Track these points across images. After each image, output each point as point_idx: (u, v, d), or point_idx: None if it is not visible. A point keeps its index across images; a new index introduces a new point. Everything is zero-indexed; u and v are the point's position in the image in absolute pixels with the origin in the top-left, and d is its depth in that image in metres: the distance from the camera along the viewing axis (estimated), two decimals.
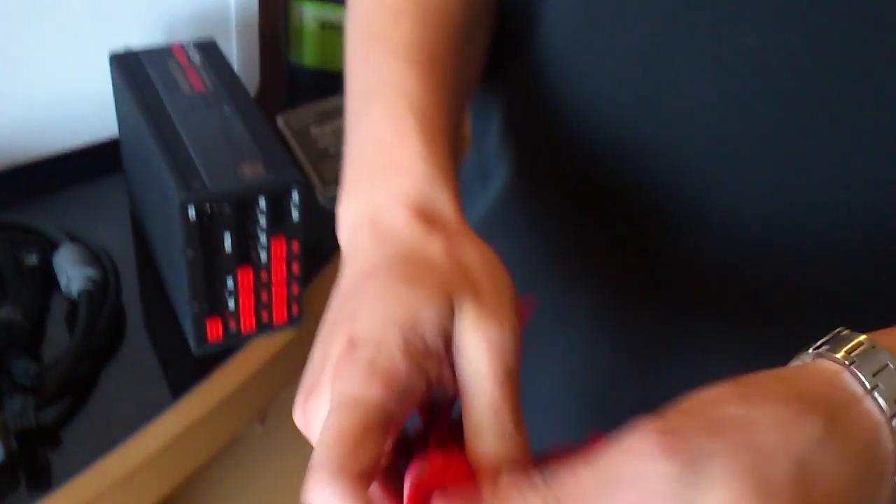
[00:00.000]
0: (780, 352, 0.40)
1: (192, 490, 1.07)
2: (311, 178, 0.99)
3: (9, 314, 0.77)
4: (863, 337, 0.37)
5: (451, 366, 0.39)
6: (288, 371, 0.86)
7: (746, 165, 0.50)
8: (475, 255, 0.41)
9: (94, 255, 0.84)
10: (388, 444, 0.37)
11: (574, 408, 0.63)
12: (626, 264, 0.57)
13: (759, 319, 0.55)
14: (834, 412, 0.34)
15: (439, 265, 0.40)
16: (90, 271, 0.81)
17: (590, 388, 0.62)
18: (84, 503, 0.71)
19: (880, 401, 0.35)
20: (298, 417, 0.41)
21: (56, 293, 0.84)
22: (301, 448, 1.23)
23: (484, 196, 0.65)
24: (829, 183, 0.49)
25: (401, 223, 0.42)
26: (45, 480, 0.72)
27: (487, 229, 0.62)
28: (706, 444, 0.32)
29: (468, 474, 0.37)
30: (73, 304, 0.82)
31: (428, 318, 0.37)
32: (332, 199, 0.98)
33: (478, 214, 0.65)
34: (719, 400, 0.34)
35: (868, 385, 0.35)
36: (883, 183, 0.48)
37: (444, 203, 0.44)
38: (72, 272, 0.81)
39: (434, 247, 0.41)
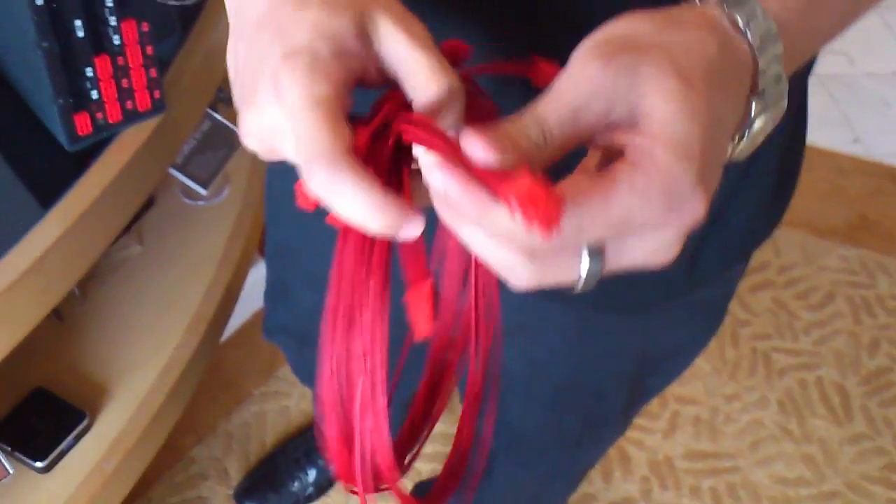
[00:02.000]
0: None
1: (83, 312, 1.11)
2: None
3: None
4: None
5: (375, 68, 0.45)
6: (159, 157, 0.91)
7: None
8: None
9: None
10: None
11: None
12: None
13: None
14: (723, 39, 0.43)
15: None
16: None
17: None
18: None
19: (750, 37, 0.44)
20: (246, 132, 0.44)
21: None
22: (178, 263, 1.28)
23: None
24: None
25: None
26: None
27: None
28: (638, 54, 0.41)
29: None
30: None
31: (347, 27, 0.43)
32: None
33: None
34: (641, 32, 0.42)
35: (741, 25, 0.44)
36: None
37: None
38: None
39: None
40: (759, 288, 2.02)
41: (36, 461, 0.96)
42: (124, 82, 0.83)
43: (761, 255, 2.08)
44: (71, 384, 1.03)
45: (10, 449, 0.96)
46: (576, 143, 0.41)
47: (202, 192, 1.15)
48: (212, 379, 1.75)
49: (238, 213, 1.17)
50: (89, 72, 0.80)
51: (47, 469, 0.96)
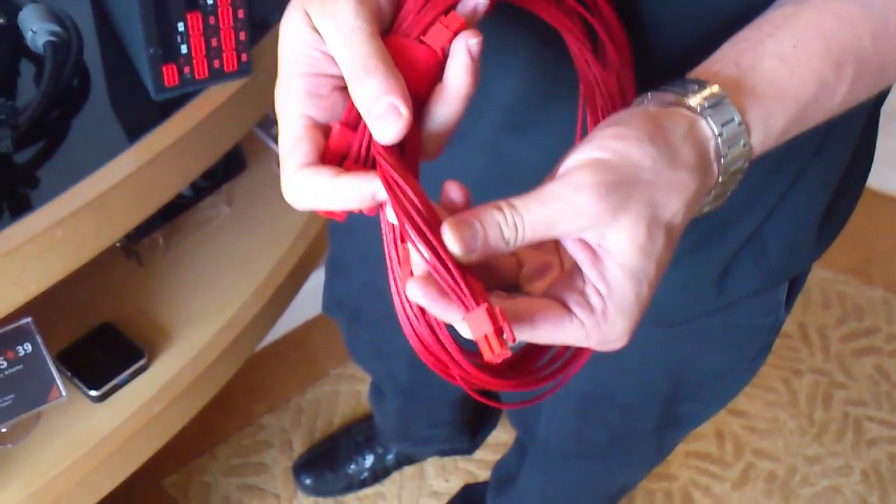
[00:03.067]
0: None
1: (163, 261, 1.16)
2: None
3: None
4: (716, 88, 0.50)
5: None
6: (240, 117, 0.94)
7: None
8: None
9: (56, 15, 0.90)
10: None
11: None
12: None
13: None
14: (703, 170, 0.50)
15: None
16: (53, 27, 0.88)
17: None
18: (59, 221, 0.79)
19: (720, 146, 0.50)
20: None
21: (24, 54, 0.91)
22: (263, 225, 1.32)
23: None
24: None
25: None
26: (24, 203, 0.81)
27: None
28: (626, 198, 0.47)
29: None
30: (40, 63, 0.89)
31: (303, 36, 0.48)
32: None
33: None
34: (641, 166, 0.47)
35: (717, 132, 0.50)
36: None
37: None
38: (36, 27, 0.88)
39: None
40: (863, 353, 1.93)
41: (91, 389, 1.01)
42: (213, 41, 0.87)
43: (871, 318, 2.00)
44: (138, 325, 1.08)
45: (69, 374, 1.02)
46: (539, 242, 0.47)
47: None
48: (294, 353, 1.80)
49: None
50: (181, 26, 0.84)
51: (100, 399, 1.01)
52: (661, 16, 0.60)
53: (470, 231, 0.45)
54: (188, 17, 0.84)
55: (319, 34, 0.49)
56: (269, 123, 1.25)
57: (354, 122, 0.49)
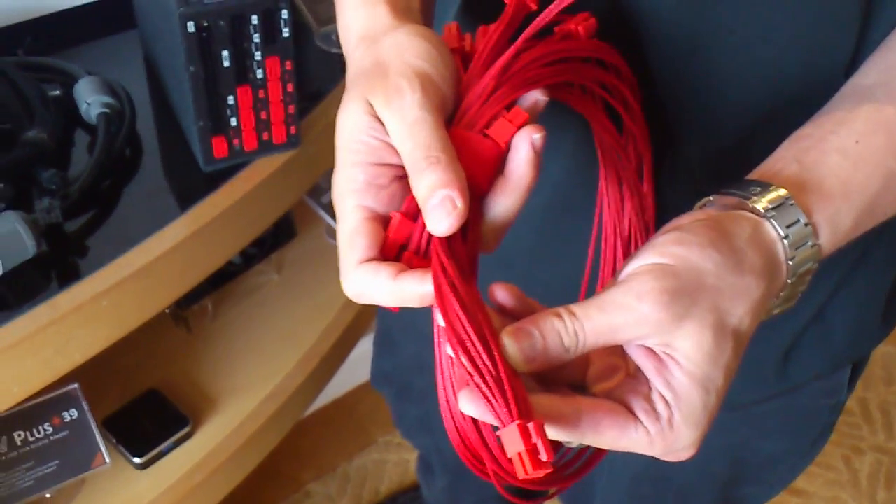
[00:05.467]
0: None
1: (211, 328, 1.17)
2: (306, 18, 1.06)
3: (36, 134, 0.86)
4: (782, 191, 0.49)
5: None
6: (288, 188, 0.95)
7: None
8: (393, 48, 0.51)
9: (110, 87, 0.92)
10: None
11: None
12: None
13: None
14: (770, 274, 0.49)
15: (362, 72, 0.51)
16: (107, 98, 0.90)
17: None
18: (105, 291, 0.80)
19: (787, 248, 0.49)
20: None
21: (78, 124, 0.93)
22: (311, 294, 1.32)
23: None
24: None
25: (350, 49, 0.55)
26: (72, 272, 0.82)
27: None
28: (690, 305, 0.46)
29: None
30: (93, 132, 0.91)
31: (364, 126, 0.49)
32: (327, 38, 1.05)
33: None
34: (704, 272, 0.46)
35: (782, 234, 0.49)
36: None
37: (380, 17, 0.54)
38: (91, 99, 0.90)
39: (358, 54, 0.53)
40: None
41: (135, 457, 1.01)
42: (262, 114, 0.88)
43: None
44: (183, 392, 1.09)
45: (114, 441, 1.02)
46: (601, 348, 0.47)
47: None
48: (341, 419, 1.79)
49: None
50: (231, 99, 0.86)
51: (143, 466, 1.01)
52: (728, 93, 0.60)
53: (529, 340, 0.45)
54: (238, 90, 0.85)
55: (382, 124, 0.49)
56: (319, 191, 1.26)
57: (414, 212, 0.48)
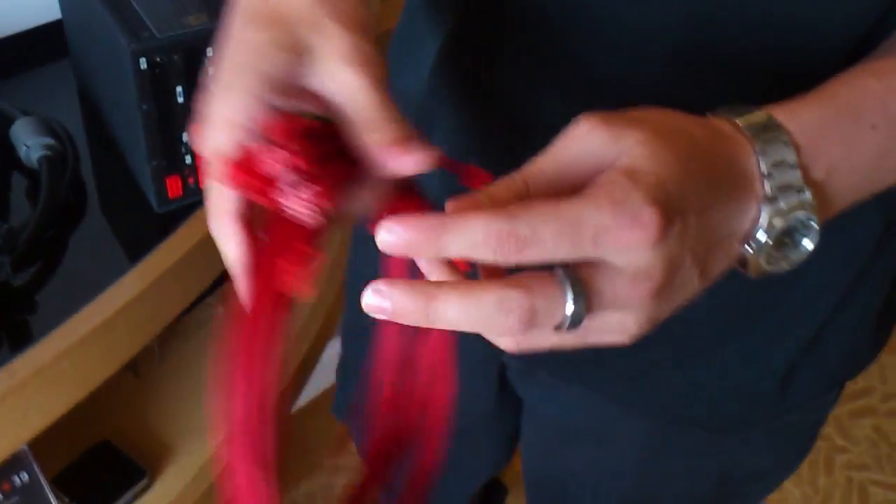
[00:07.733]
0: None
1: (159, 370, 1.11)
2: None
3: None
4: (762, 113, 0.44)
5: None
6: None
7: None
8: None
9: (50, 127, 0.86)
10: None
11: None
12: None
13: None
14: (718, 133, 0.43)
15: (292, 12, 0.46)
16: (48, 140, 0.84)
17: None
18: (65, 351, 0.74)
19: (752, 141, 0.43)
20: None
21: (16, 168, 0.86)
22: None
23: (421, 59, 0.69)
24: None
25: None
26: (25, 333, 0.76)
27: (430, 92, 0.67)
28: (630, 128, 0.41)
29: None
30: (34, 177, 0.85)
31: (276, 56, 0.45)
32: None
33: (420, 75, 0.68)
34: (644, 112, 0.42)
35: (765, 172, 0.43)
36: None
37: None
38: (30, 142, 0.84)
39: None
40: (859, 414, 1.91)
41: None
42: None
43: (865, 379, 1.98)
44: (137, 440, 1.03)
45: (67, 500, 0.96)
46: (561, 194, 0.40)
47: None
48: (285, 445, 1.74)
49: (321, 288, 1.17)
50: (185, 137, 0.81)
51: None
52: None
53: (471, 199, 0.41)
54: (192, 127, 0.80)
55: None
56: None
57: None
